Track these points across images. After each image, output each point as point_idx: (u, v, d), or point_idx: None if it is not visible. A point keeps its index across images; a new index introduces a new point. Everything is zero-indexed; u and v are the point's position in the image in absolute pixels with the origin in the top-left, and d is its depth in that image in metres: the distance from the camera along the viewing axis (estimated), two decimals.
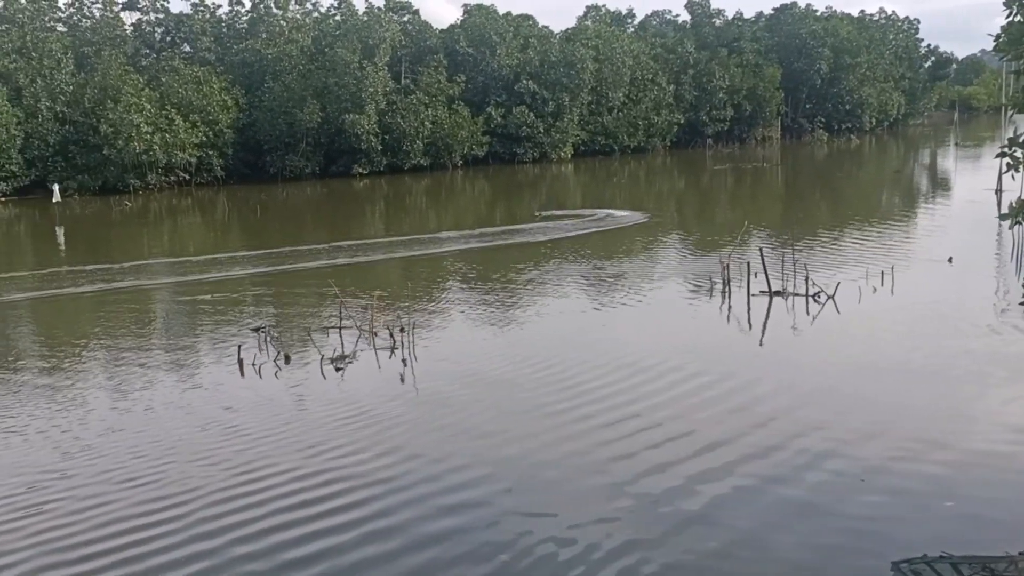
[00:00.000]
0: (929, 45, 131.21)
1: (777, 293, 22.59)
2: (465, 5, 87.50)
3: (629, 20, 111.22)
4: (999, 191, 38.50)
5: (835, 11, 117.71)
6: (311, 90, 71.28)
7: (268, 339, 19.91)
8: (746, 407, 14.42)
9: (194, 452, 13.51)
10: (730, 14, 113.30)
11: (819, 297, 22.06)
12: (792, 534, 10.23)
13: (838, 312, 20.86)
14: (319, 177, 72.96)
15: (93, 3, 76.51)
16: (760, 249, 24.64)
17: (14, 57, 65.29)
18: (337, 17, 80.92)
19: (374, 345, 19.37)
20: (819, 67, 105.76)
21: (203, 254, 35.64)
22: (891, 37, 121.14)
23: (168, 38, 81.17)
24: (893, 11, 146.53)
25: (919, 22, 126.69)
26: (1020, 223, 9.88)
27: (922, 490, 11.18)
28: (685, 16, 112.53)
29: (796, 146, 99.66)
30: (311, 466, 12.69)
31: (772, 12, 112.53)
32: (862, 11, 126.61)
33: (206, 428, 14.65)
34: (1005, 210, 9.88)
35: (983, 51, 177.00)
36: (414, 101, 74.32)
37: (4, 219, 55.11)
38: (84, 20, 75.92)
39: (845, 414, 13.83)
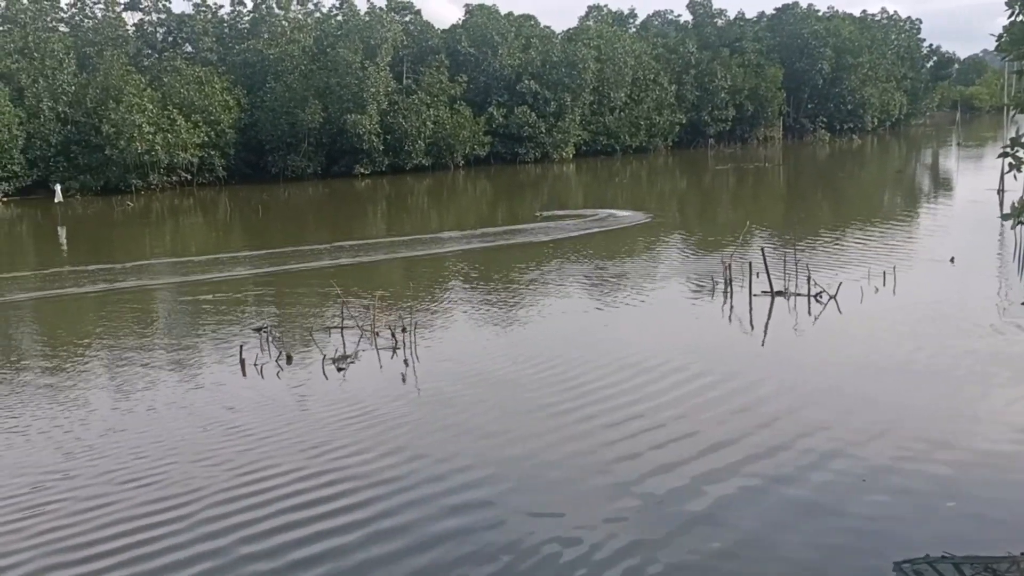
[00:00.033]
0: (931, 45, 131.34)
1: (779, 293, 22.58)
2: (467, 5, 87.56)
3: (631, 20, 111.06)
4: (1001, 191, 38.44)
5: (837, 11, 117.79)
6: (313, 90, 71.25)
7: (270, 339, 19.91)
8: (749, 407, 14.43)
9: (196, 452, 13.53)
10: (732, 14, 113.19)
11: (821, 297, 22.06)
12: (795, 534, 10.25)
13: (840, 312, 20.86)
14: (321, 177, 72.92)
15: (95, 3, 76.57)
16: (762, 249, 24.63)
17: (16, 57, 65.31)
18: (339, 17, 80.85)
19: (376, 345, 19.37)
20: (821, 67, 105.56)
21: (205, 254, 35.65)
22: (893, 37, 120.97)
23: (170, 38, 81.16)
24: (895, 11, 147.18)
25: (921, 22, 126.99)
26: (1022, 223, 9.89)
27: (925, 490, 11.19)
28: (687, 16, 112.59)
29: (798, 146, 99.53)
30: (314, 466, 12.69)
31: (774, 12, 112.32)
32: (864, 11, 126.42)
33: (208, 428, 14.66)
34: (1007, 210, 9.89)
35: (985, 51, 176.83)
36: (416, 101, 74.31)
37: (6, 219, 55.15)
38: (86, 20, 75.92)
39: (847, 414, 13.83)
